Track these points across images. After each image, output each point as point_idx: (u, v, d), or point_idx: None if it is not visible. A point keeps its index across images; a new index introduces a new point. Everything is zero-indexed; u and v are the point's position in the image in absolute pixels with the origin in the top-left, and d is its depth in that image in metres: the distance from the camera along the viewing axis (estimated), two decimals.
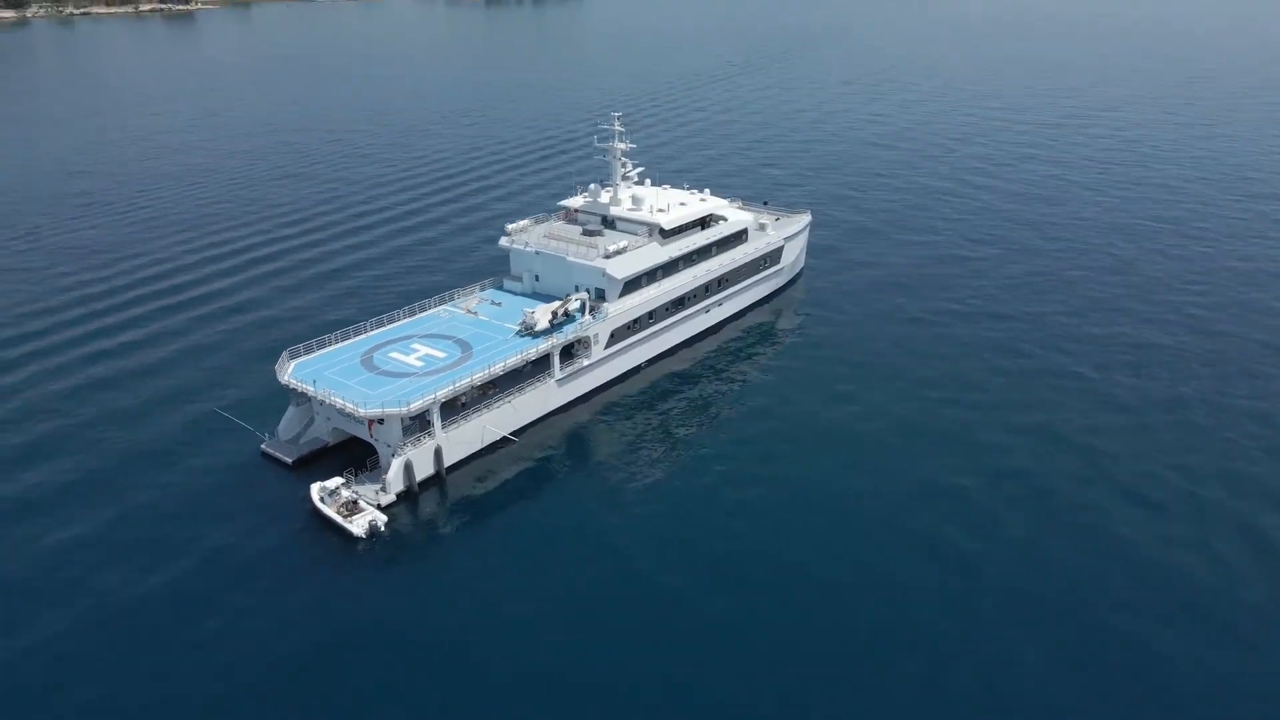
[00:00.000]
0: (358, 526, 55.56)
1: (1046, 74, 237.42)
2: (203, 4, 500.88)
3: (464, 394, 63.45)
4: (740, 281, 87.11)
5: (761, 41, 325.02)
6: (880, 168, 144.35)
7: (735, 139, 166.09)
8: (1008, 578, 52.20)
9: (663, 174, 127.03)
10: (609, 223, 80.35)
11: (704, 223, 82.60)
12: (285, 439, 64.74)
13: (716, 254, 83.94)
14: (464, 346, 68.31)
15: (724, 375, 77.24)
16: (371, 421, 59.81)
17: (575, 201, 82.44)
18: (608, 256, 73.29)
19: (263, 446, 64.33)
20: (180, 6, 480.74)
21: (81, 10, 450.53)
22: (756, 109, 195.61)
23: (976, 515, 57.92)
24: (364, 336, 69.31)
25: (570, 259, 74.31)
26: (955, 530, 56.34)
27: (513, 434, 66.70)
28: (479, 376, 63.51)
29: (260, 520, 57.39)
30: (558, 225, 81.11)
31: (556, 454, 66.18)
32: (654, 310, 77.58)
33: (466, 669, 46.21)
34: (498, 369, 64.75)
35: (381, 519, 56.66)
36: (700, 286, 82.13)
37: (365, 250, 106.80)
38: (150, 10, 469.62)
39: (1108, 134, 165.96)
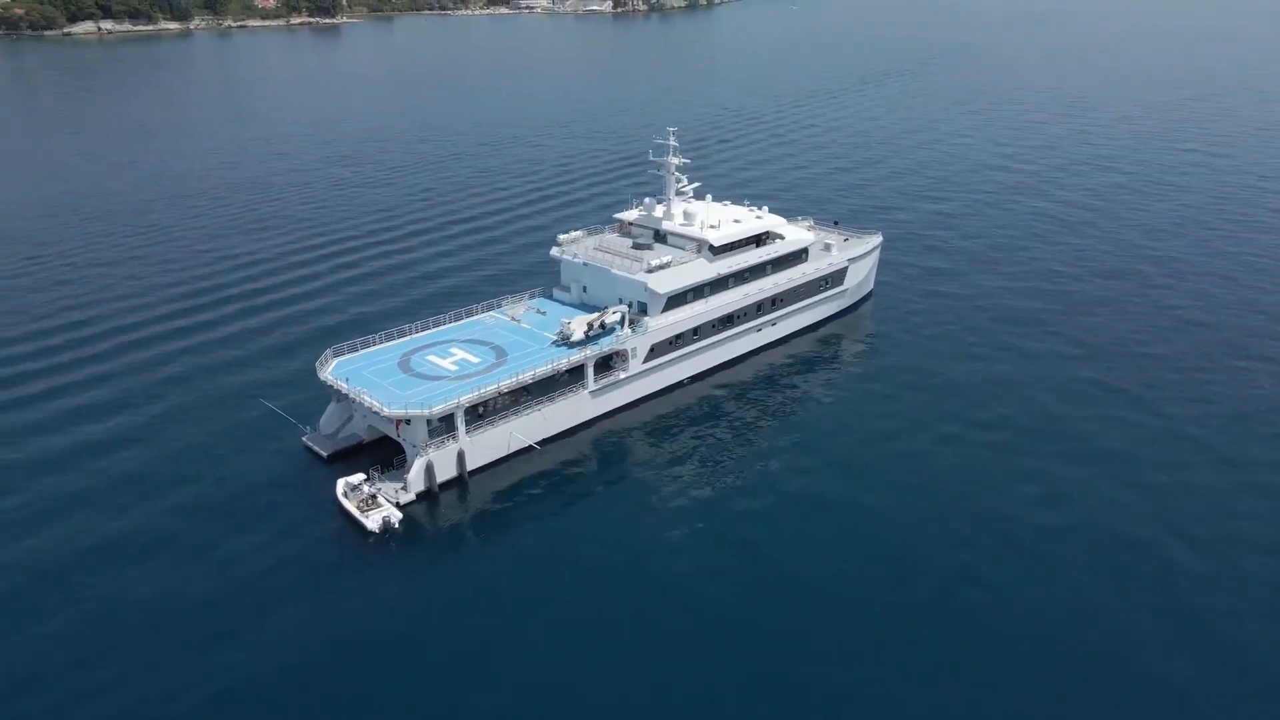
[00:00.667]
0: (372, 521, 57.38)
1: (1203, 96, 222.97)
2: (348, 18, 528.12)
3: (491, 399, 64.59)
4: (797, 301, 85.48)
5: (885, 57, 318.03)
6: (987, 191, 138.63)
7: (834, 158, 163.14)
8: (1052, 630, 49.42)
9: (744, 192, 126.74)
10: (660, 237, 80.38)
11: (758, 240, 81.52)
12: (325, 433, 67.45)
13: (771, 272, 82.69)
14: (499, 353, 69.63)
15: (770, 397, 75.88)
16: (399, 421, 61.73)
17: (629, 214, 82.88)
18: (650, 271, 73.32)
19: (304, 439, 67.25)
20: (327, 20, 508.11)
21: (239, 23, 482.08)
22: (863, 128, 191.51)
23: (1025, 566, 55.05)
24: (406, 339, 71.60)
25: (615, 271, 74.71)
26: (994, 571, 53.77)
27: (543, 442, 67.61)
28: (506, 383, 64.59)
29: (286, 510, 59.95)
30: (609, 238, 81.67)
31: (585, 465, 66.58)
32: (699, 327, 77.06)
33: (463, 672, 46.84)
34: (527, 377, 65.70)
35: (397, 516, 58.34)
36: (752, 305, 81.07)
37: (443, 255, 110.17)
38: (300, 23, 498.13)
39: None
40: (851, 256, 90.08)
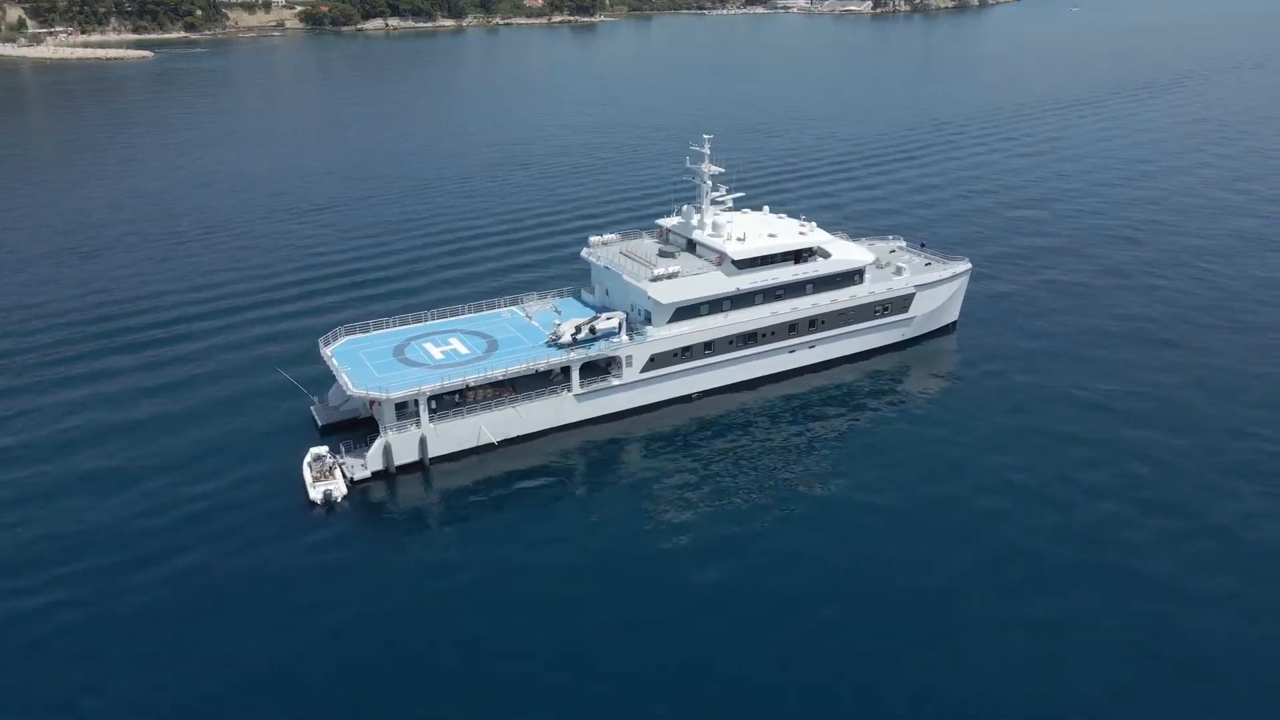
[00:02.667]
0: (315, 491, 61.16)
1: None
2: (606, 16, 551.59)
3: (462, 390, 66.31)
4: (843, 325, 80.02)
5: (1131, 73, 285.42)
6: (1137, 223, 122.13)
7: (1001, 178, 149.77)
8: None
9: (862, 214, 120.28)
10: (692, 246, 78.29)
11: (797, 256, 77.11)
12: (332, 405, 72.42)
13: (812, 292, 78.00)
14: (492, 346, 71.31)
15: (785, 425, 71.86)
16: (373, 402, 65.23)
17: (669, 221, 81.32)
18: (655, 280, 71.74)
19: (311, 409, 72.64)
20: (585, 19, 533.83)
21: (505, 21, 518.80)
22: (1061, 152, 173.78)
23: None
24: (412, 325, 75.01)
25: (625, 278, 73.87)
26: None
27: (519, 440, 68.60)
28: (474, 377, 66.14)
29: (257, 467, 65.32)
30: (641, 243, 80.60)
31: (559, 468, 66.76)
32: (713, 341, 74.40)
33: (337, 660, 48.35)
34: (498, 373, 66.91)
35: (342, 491, 61.72)
36: (782, 324, 76.98)
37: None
38: (560, 21, 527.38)
39: None
40: (920, 282, 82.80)
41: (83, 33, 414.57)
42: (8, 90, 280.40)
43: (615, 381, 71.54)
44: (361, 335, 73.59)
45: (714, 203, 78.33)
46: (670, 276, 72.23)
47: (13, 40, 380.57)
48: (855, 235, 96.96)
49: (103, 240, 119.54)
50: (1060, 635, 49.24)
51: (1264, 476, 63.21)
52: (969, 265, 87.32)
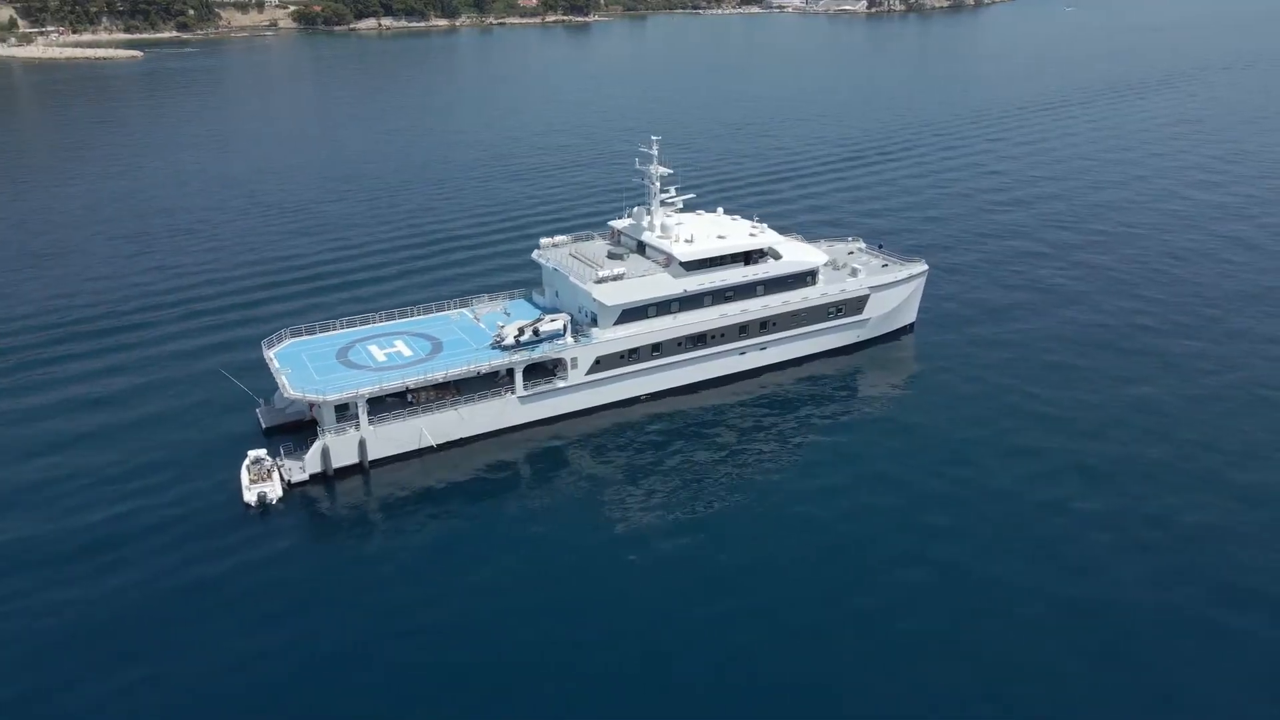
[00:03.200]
0: (250, 494, 60.97)
1: None
2: (600, 16, 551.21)
3: (402, 392, 66.10)
4: (796, 326, 79.79)
5: (1128, 71, 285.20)
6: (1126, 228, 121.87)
7: (977, 181, 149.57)
8: None
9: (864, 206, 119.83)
10: (642, 248, 78.08)
11: (747, 258, 76.88)
12: (276, 408, 72.20)
13: (763, 293, 77.78)
14: (436, 348, 71.11)
15: (734, 425, 71.71)
16: (312, 404, 65.06)
17: (621, 223, 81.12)
18: (599, 282, 71.52)
19: (256, 411, 72.39)
20: (580, 18, 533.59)
21: (499, 20, 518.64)
22: (1048, 152, 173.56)
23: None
24: (360, 328, 74.78)
25: (571, 280, 73.66)
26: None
27: (463, 442, 68.40)
28: (413, 380, 65.95)
29: (196, 470, 65.04)
30: (589, 244, 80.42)
31: (500, 471, 66.50)
32: (661, 343, 74.18)
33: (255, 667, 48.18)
34: (438, 376, 66.70)
35: (276, 494, 61.50)
36: (732, 326, 76.76)
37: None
38: (554, 21, 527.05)
39: None
40: (875, 284, 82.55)
41: (74, 32, 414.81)
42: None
43: (560, 384, 71.34)
44: (308, 337, 73.35)
45: (663, 204, 78.05)
46: (616, 278, 71.99)
47: (2, 40, 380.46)
48: (815, 236, 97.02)
49: (70, 242, 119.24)
50: (1001, 652, 48.92)
51: (1227, 486, 62.80)
52: (925, 267, 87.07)
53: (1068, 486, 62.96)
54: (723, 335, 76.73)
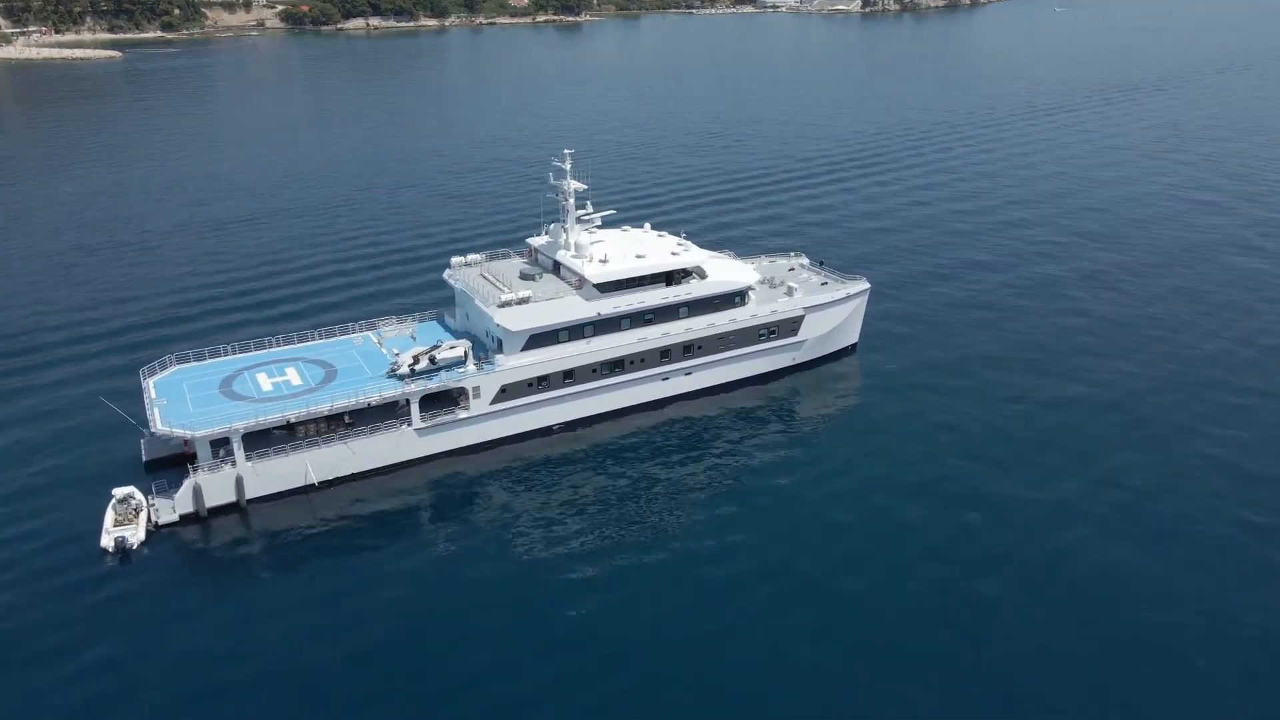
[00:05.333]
0: (107, 537, 56.43)
1: None
2: (592, 16, 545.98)
3: (276, 425, 61.53)
4: (724, 350, 75.18)
5: (1123, 73, 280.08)
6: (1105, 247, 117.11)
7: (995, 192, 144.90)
8: None
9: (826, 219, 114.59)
10: (557, 267, 73.48)
11: (669, 278, 72.27)
12: (160, 439, 67.56)
13: (687, 315, 73.17)
14: (330, 376, 66.55)
15: (655, 460, 67.33)
16: (186, 439, 60.54)
17: (538, 240, 76.47)
18: (502, 306, 66.89)
19: (141, 441, 67.76)
20: (570, 18, 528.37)
21: (489, 20, 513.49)
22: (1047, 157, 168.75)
23: None
24: (253, 353, 70.15)
25: (476, 302, 69.08)
26: None
27: (351, 478, 63.88)
28: (294, 413, 61.37)
29: (61, 507, 60.57)
30: (504, 263, 75.81)
31: (393, 510, 62.15)
32: (574, 370, 69.58)
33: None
34: (322, 408, 62.12)
35: (139, 538, 56.99)
36: (653, 350, 72.16)
37: None
38: (545, 21, 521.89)
39: None
40: (810, 304, 77.90)
41: (57, 32, 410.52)
42: None
43: (462, 414, 66.75)
44: (195, 364, 68.74)
45: (580, 221, 73.37)
46: (521, 302, 67.37)
47: None
48: (758, 251, 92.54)
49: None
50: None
51: (1137, 516, 58.52)
52: (867, 285, 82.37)
53: (1009, 527, 58.58)
54: (643, 360, 72.11)
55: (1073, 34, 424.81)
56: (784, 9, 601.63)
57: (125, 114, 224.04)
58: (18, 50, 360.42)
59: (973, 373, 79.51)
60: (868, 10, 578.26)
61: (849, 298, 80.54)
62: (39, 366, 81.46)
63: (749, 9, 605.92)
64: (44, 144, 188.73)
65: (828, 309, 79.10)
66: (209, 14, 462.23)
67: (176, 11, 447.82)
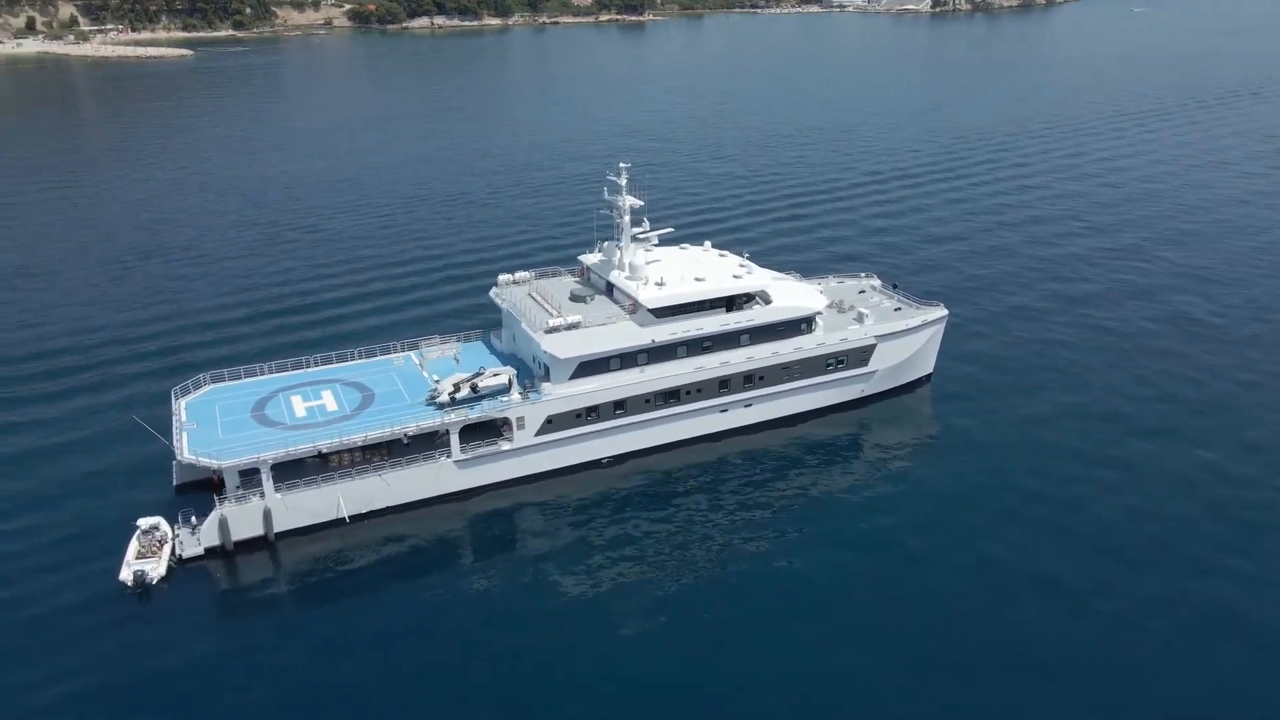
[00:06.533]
0: (126, 571, 53.23)
1: None
2: (656, 15, 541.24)
3: (307, 455, 57.84)
4: (788, 380, 69.72)
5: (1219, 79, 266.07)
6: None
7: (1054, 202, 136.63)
8: None
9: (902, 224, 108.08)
10: (610, 289, 68.73)
11: (730, 303, 67.05)
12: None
13: (749, 343, 67.88)
14: (366, 401, 62.78)
15: (711, 497, 62.44)
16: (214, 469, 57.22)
17: (591, 258, 71.76)
18: (550, 331, 62.34)
19: (174, 463, 64.77)
20: (633, 17, 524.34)
21: (552, 20, 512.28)
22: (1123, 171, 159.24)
23: None
24: (290, 373, 66.65)
25: (523, 325, 64.68)
26: None
27: (386, 511, 59.97)
28: (325, 443, 57.61)
29: (88, 533, 57.73)
30: (554, 282, 71.28)
31: (430, 547, 58.15)
32: (626, 400, 64.79)
33: None
34: (356, 439, 58.29)
35: (159, 573, 53.72)
36: (712, 380, 67.03)
37: None
38: (608, 20, 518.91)
39: None
40: (882, 332, 71.99)
41: (133, 30, 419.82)
42: (21, 88, 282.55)
43: (505, 446, 62.43)
44: (230, 384, 65.57)
45: (635, 240, 68.47)
46: (570, 327, 62.76)
47: (60, 38, 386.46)
48: (824, 271, 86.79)
49: (49, 261, 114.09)
50: None
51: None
52: (945, 312, 76.07)
53: (1103, 581, 52.30)
54: (699, 391, 67.01)
55: (1155, 35, 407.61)
56: (851, 9, 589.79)
57: (192, 114, 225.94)
58: (94, 48, 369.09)
59: (1060, 411, 72.67)
60: (938, 10, 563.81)
61: (925, 325, 74.36)
62: (77, 372, 79.66)
63: (815, 8, 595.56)
64: (110, 143, 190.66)
65: (901, 338, 73.06)
66: (279, 13, 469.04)
67: (248, 10, 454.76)
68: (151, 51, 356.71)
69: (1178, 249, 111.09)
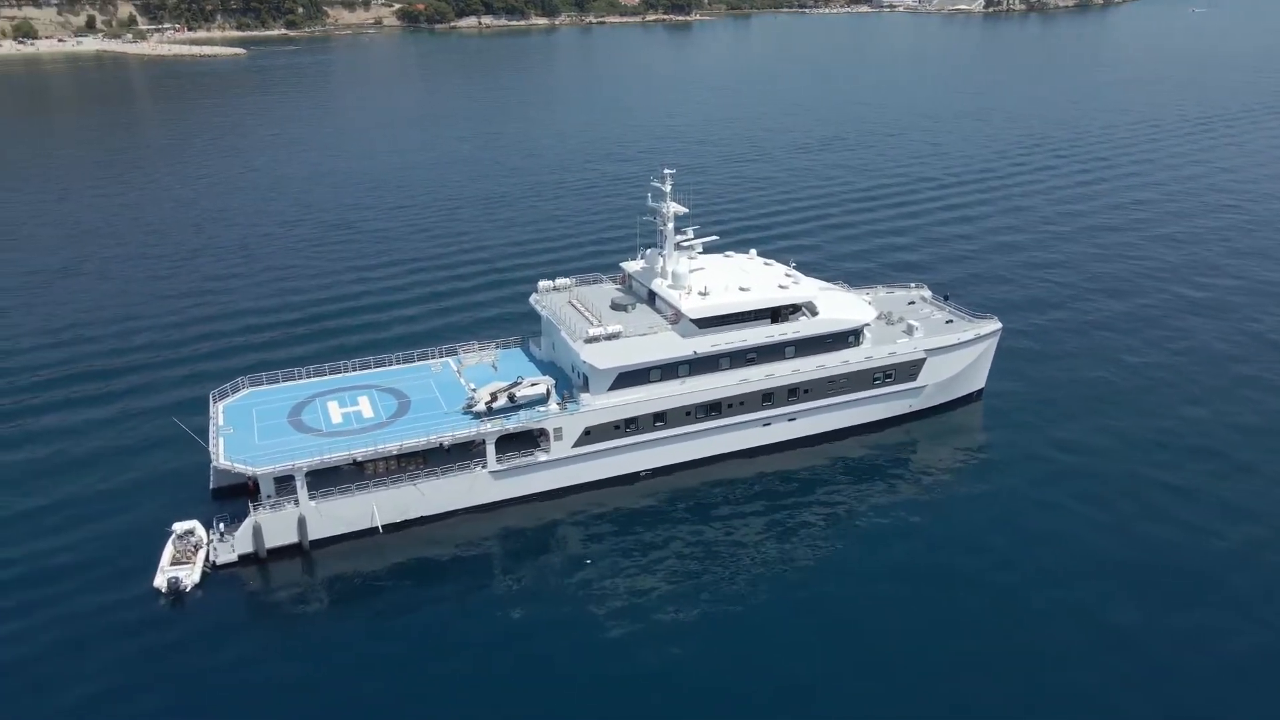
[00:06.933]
0: (161, 577, 52.95)
1: None
2: (703, 15, 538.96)
3: (342, 463, 57.14)
4: (834, 394, 67.63)
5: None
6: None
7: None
8: None
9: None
10: (652, 297, 67.20)
11: (775, 314, 65.14)
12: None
13: (794, 355, 65.91)
14: (402, 409, 61.96)
15: (747, 515, 60.77)
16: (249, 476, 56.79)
17: (633, 265, 70.25)
18: (590, 341, 60.94)
19: (212, 467, 64.53)
20: (680, 17, 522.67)
21: (599, 19, 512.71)
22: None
23: None
24: (327, 377, 66.10)
25: (562, 334, 63.39)
26: None
27: (420, 521, 59.06)
28: (361, 451, 56.84)
29: (120, 536, 57.50)
30: (595, 289, 69.88)
31: (465, 559, 57.16)
32: (666, 412, 63.23)
33: None
34: (391, 448, 57.45)
35: (193, 579, 53.38)
36: (755, 393, 65.20)
37: None
38: (654, 20, 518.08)
39: None
40: (934, 346, 69.56)
41: (189, 29, 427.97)
42: (80, 85, 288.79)
43: (542, 457, 61.21)
44: (267, 387, 65.18)
45: (679, 248, 66.84)
46: (610, 337, 61.31)
47: (118, 36, 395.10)
48: (873, 280, 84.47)
49: (99, 258, 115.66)
50: None
51: None
52: (999, 325, 73.39)
53: (1150, 622, 49.59)
54: (742, 404, 65.22)
55: (1216, 36, 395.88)
56: (901, 8, 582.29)
57: (243, 113, 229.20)
58: (151, 47, 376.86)
59: (1121, 431, 69.64)
60: (991, 10, 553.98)
61: (978, 339, 71.75)
62: (120, 372, 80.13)
63: (864, 8, 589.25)
64: (164, 141, 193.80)
65: (953, 351, 70.55)
66: (330, 12, 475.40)
67: (300, 10, 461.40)
68: (206, 50, 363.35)
69: (1255, 262, 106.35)
